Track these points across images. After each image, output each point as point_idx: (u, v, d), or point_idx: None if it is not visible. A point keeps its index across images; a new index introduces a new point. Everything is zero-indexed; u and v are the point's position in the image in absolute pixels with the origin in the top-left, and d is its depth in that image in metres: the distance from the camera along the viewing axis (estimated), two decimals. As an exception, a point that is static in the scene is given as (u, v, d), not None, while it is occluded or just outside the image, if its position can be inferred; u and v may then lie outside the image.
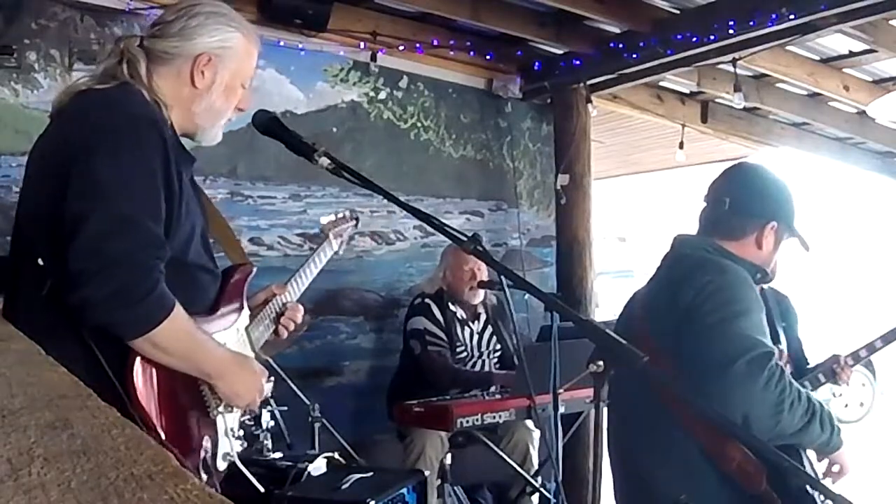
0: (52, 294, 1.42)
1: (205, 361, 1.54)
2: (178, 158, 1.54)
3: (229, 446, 1.67)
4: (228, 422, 1.66)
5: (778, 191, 2.03)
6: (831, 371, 2.59)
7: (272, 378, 1.79)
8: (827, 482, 2.00)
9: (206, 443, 1.60)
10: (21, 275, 1.53)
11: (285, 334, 1.94)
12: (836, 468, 1.98)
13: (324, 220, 2.30)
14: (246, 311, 1.79)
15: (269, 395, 1.78)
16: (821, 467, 2.03)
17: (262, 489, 1.95)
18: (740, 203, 1.98)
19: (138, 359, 1.44)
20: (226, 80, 1.66)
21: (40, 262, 1.46)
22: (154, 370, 1.47)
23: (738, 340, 1.70)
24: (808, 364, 2.76)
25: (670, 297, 1.87)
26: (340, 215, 2.33)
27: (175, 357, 1.48)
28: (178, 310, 1.44)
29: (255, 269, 1.82)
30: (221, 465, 1.66)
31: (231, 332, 1.71)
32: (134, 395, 1.43)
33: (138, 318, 1.39)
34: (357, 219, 2.40)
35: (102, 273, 1.34)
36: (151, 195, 1.44)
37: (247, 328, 1.79)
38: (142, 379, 1.45)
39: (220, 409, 1.62)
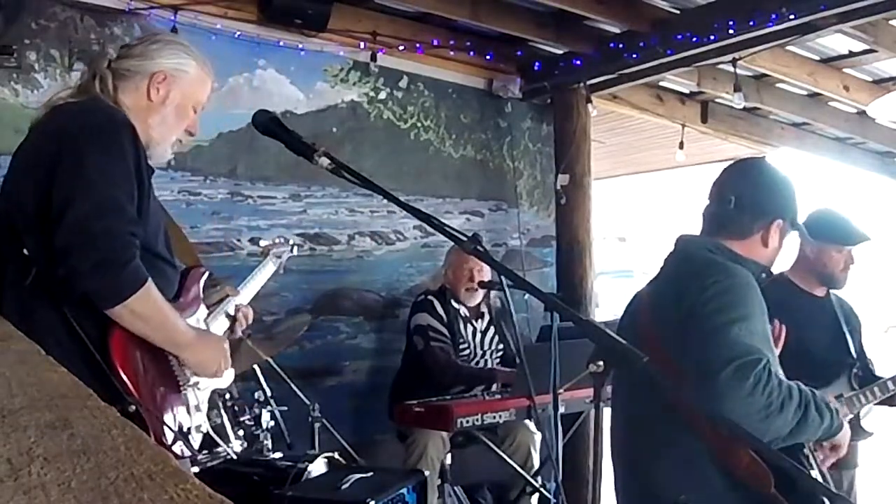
0: (36, 281, 1.60)
1: (175, 331, 1.70)
2: (146, 161, 1.72)
3: (201, 419, 1.83)
4: (198, 397, 1.83)
5: (784, 188, 2.00)
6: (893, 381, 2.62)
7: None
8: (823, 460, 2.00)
9: (180, 414, 1.75)
10: (5, 267, 1.67)
11: (239, 332, 2.14)
12: (839, 449, 1.98)
13: (263, 243, 2.66)
14: (203, 307, 1.98)
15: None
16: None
17: (234, 456, 2.10)
18: (746, 201, 1.95)
19: (117, 333, 1.60)
20: (178, 99, 1.86)
21: (25, 251, 1.61)
22: (131, 344, 1.62)
23: (730, 347, 1.69)
24: (872, 365, 2.79)
25: (675, 299, 1.85)
26: (278, 240, 2.66)
27: (150, 326, 1.63)
28: (151, 282, 1.61)
29: (207, 272, 2.01)
30: (196, 437, 1.80)
31: (192, 320, 1.87)
32: (114, 367, 1.58)
33: (119, 285, 1.55)
34: (294, 245, 2.70)
35: (88, 246, 1.52)
36: (128, 183, 1.63)
37: (205, 319, 1.98)
38: (121, 352, 1.60)
39: (190, 383, 1.78)
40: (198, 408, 1.82)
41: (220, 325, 2.08)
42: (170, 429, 1.65)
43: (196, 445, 1.81)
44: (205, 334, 1.85)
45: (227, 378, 1.94)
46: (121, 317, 1.58)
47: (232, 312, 2.11)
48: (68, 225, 1.52)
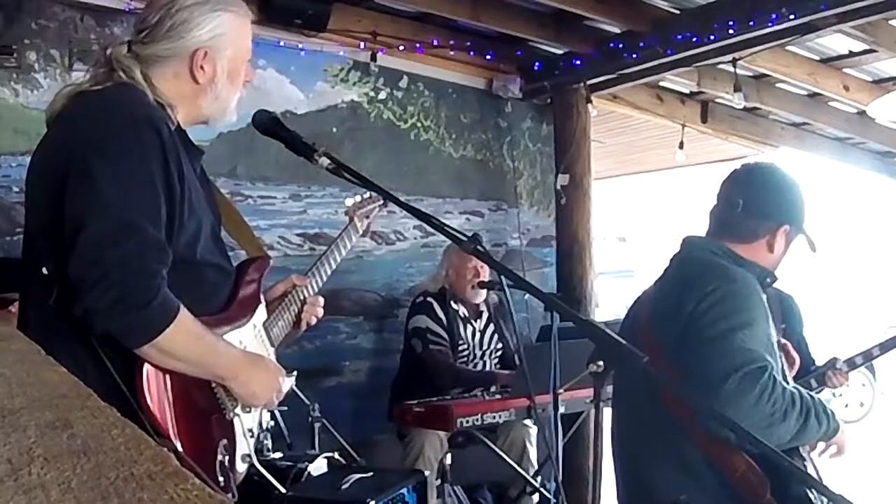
0: (59, 302, 1.41)
1: (216, 364, 1.52)
2: (181, 156, 1.50)
3: (247, 447, 1.64)
4: (246, 422, 1.63)
5: (792, 193, 1.98)
6: (823, 376, 2.59)
7: (295, 372, 1.77)
8: (824, 460, 2.00)
9: (223, 445, 1.57)
10: (30, 283, 1.52)
11: (304, 327, 1.91)
12: (832, 450, 1.97)
13: (349, 202, 2.24)
14: (262, 307, 1.76)
15: (290, 390, 1.74)
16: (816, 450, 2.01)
17: (283, 489, 1.91)
18: (754, 206, 1.93)
19: (148, 365, 1.42)
20: (227, 68, 1.63)
21: (45, 270, 1.45)
22: (165, 375, 1.45)
23: (735, 355, 1.68)
24: (814, 364, 2.76)
25: (677, 303, 1.84)
26: (367, 196, 2.24)
27: (184, 362, 1.45)
28: (184, 314, 1.41)
29: (270, 262, 1.80)
30: (241, 467, 1.63)
31: (247, 329, 1.68)
32: (143, 401, 1.41)
33: (142, 326, 1.37)
34: (385, 199, 2.26)
35: (104, 281, 1.32)
36: (151, 199, 1.41)
37: (264, 324, 1.77)
38: (152, 384, 1.43)
39: (238, 410, 1.59)
40: (245, 434, 1.62)
41: (283, 328, 1.84)
42: (193, 470, 1.46)
43: (241, 475, 1.62)
44: (254, 360, 1.62)
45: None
46: (149, 356, 1.40)
47: (298, 308, 1.87)
48: (81, 254, 1.32)
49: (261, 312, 1.75)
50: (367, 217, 2.24)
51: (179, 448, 1.43)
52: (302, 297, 1.90)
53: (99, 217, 1.35)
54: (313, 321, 1.91)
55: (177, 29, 1.56)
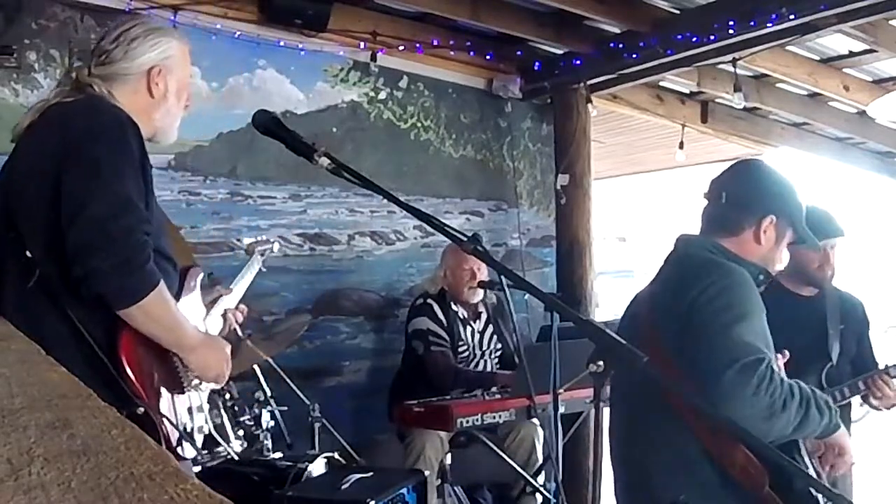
0: (39, 284, 1.59)
1: (184, 334, 1.69)
2: (147, 159, 1.71)
3: (202, 420, 1.83)
4: (200, 398, 1.84)
5: (775, 185, 2.01)
6: (868, 380, 2.60)
7: None
8: (829, 469, 1.99)
9: (184, 415, 1.76)
10: (4, 272, 1.67)
11: (238, 333, 2.21)
12: (836, 451, 1.97)
13: (247, 241, 2.76)
14: (202, 307, 2.02)
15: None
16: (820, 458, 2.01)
17: (236, 455, 2.16)
18: (736, 197, 1.97)
19: (125, 335, 1.59)
20: (175, 85, 1.87)
21: (28, 254, 1.61)
22: (139, 346, 1.62)
23: (732, 347, 1.69)
24: (875, 367, 2.76)
25: (673, 300, 1.86)
26: (262, 237, 2.79)
27: (161, 327, 1.63)
28: (163, 283, 1.61)
29: (202, 271, 2.03)
30: (198, 438, 1.81)
31: (192, 320, 1.85)
32: (122, 368, 1.57)
33: (135, 287, 1.55)
34: (275, 243, 2.83)
35: (108, 247, 1.51)
36: (138, 182, 1.63)
37: (203, 320, 2.02)
38: (129, 354, 1.60)
39: (192, 384, 1.78)
40: (200, 408, 1.82)
41: (214, 326, 2.10)
42: (176, 429, 1.65)
43: (199, 446, 1.81)
44: (210, 338, 1.84)
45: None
46: (134, 318, 1.57)
47: (223, 312, 2.16)
48: (86, 225, 1.51)
49: (202, 310, 2.01)
50: (263, 255, 2.67)
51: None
52: (224, 305, 2.20)
53: (103, 194, 1.55)
54: (235, 326, 2.21)
55: (135, 51, 1.82)
